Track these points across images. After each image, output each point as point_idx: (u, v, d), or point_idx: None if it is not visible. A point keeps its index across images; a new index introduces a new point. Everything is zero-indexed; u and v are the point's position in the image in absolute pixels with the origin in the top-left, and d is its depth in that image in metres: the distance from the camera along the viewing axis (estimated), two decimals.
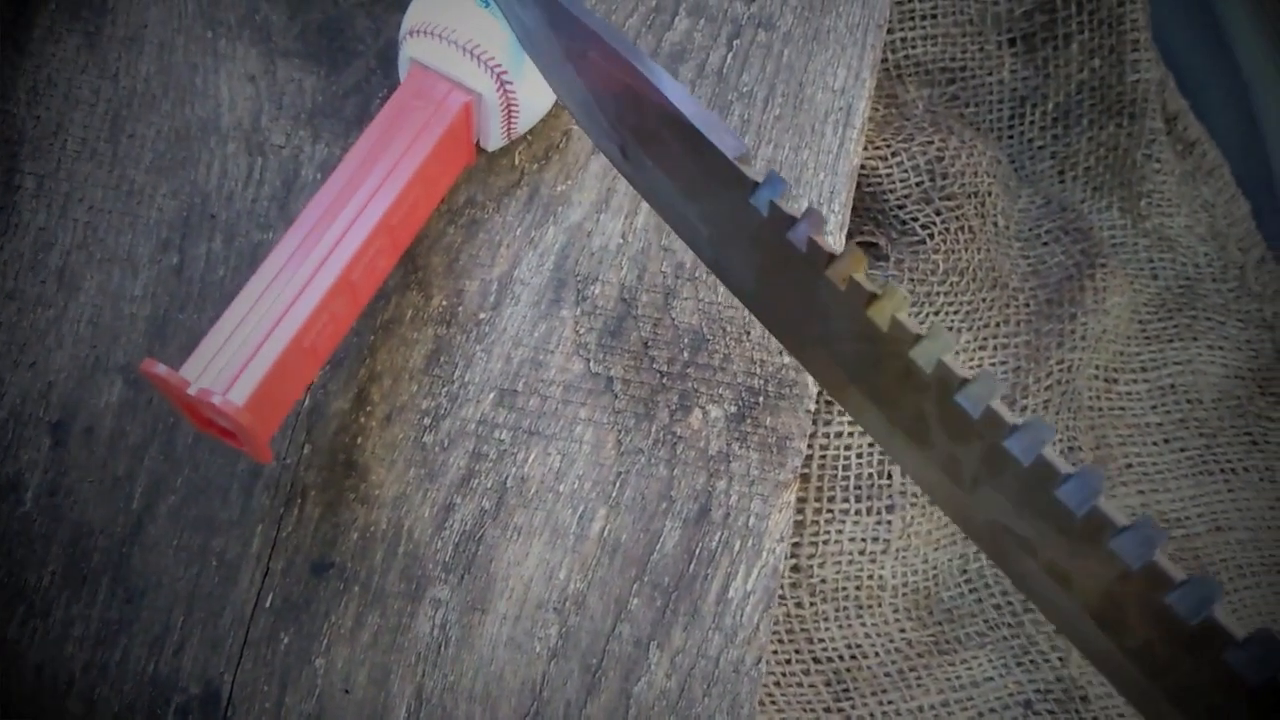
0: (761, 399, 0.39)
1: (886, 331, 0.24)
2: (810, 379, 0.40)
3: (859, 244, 0.46)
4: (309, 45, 0.41)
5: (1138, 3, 0.49)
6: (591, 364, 0.39)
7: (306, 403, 0.39)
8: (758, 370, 0.39)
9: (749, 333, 0.40)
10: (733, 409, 0.39)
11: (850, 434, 0.45)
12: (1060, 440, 0.47)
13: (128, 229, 0.40)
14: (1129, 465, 0.49)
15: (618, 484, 0.39)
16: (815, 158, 0.41)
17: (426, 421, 0.39)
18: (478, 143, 0.39)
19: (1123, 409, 0.51)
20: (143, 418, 0.38)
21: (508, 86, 0.37)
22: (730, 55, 0.42)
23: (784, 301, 0.29)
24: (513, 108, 0.37)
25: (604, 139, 0.35)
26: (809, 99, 0.41)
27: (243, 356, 0.32)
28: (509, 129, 0.38)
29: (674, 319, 0.40)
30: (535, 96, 0.38)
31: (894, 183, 0.47)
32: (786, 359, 0.40)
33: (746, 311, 0.40)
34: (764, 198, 0.26)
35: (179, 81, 0.41)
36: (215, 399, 0.31)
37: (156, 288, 0.39)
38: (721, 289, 0.40)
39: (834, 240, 0.41)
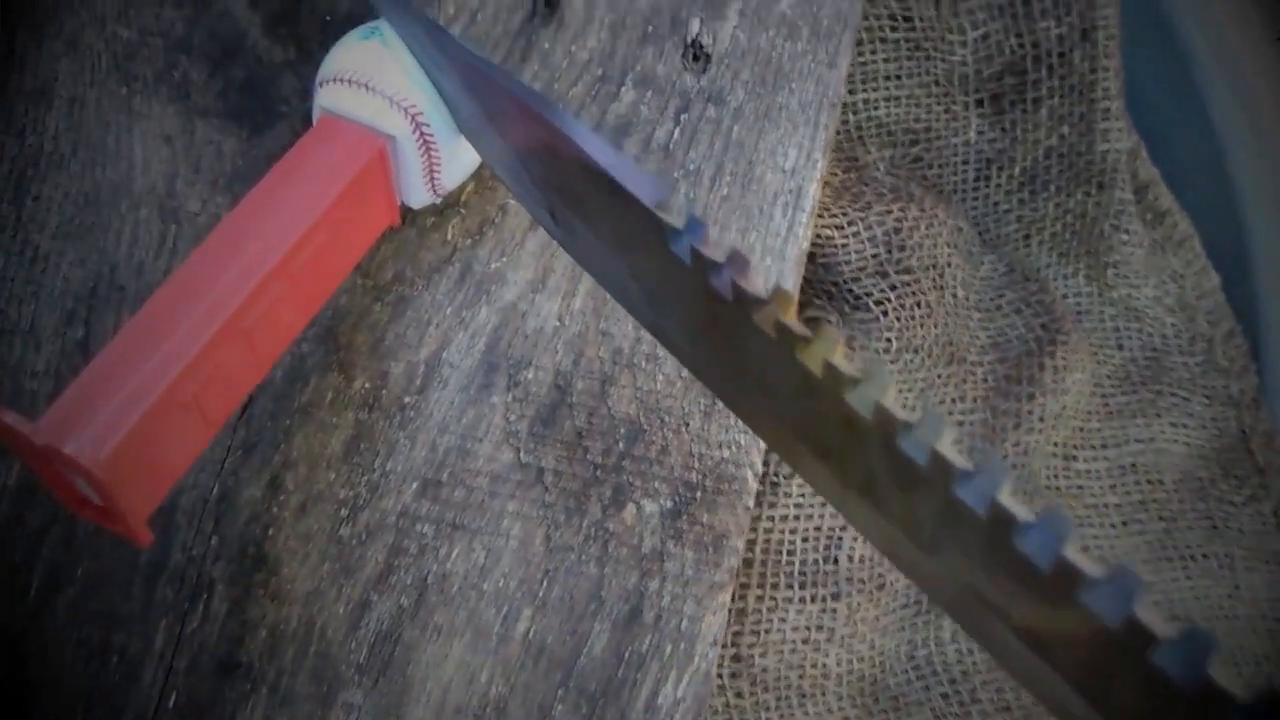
0: (699, 494, 0.37)
1: (821, 377, 0.22)
2: (749, 473, 0.38)
3: (807, 319, 0.45)
4: (230, 105, 0.39)
5: (1110, 70, 0.47)
6: (522, 454, 0.37)
7: (215, 490, 0.36)
8: (696, 464, 0.38)
9: (688, 424, 0.38)
10: (669, 504, 0.37)
11: (795, 518, 0.44)
12: None
13: (30, 299, 0.37)
14: (1085, 547, 0.48)
15: (545, 582, 0.37)
16: (763, 241, 0.39)
17: (344, 513, 0.36)
18: (403, 204, 0.37)
19: (1080, 488, 0.49)
20: (42, 503, 0.36)
21: (424, 129, 0.35)
22: (678, 130, 0.40)
23: (720, 357, 0.27)
24: (433, 154, 0.35)
25: (533, 203, 0.33)
26: (758, 179, 0.39)
27: (108, 407, 0.28)
28: (433, 182, 0.36)
29: (610, 408, 0.38)
30: (458, 145, 0.36)
31: (849, 254, 0.45)
32: (725, 453, 0.38)
33: (686, 401, 0.38)
34: (684, 244, 0.25)
35: (90, 140, 0.38)
36: (68, 448, 0.27)
37: (60, 363, 0.37)
38: (660, 377, 0.38)
39: None
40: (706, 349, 0.28)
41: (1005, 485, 0.20)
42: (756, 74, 0.40)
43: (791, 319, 0.23)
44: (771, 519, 0.43)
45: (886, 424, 0.21)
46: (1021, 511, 0.19)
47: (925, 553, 0.23)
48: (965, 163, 0.52)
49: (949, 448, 0.20)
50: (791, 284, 0.39)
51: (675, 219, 0.25)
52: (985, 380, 0.47)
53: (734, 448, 0.38)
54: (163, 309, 0.31)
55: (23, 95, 0.39)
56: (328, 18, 0.39)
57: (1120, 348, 0.52)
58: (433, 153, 0.35)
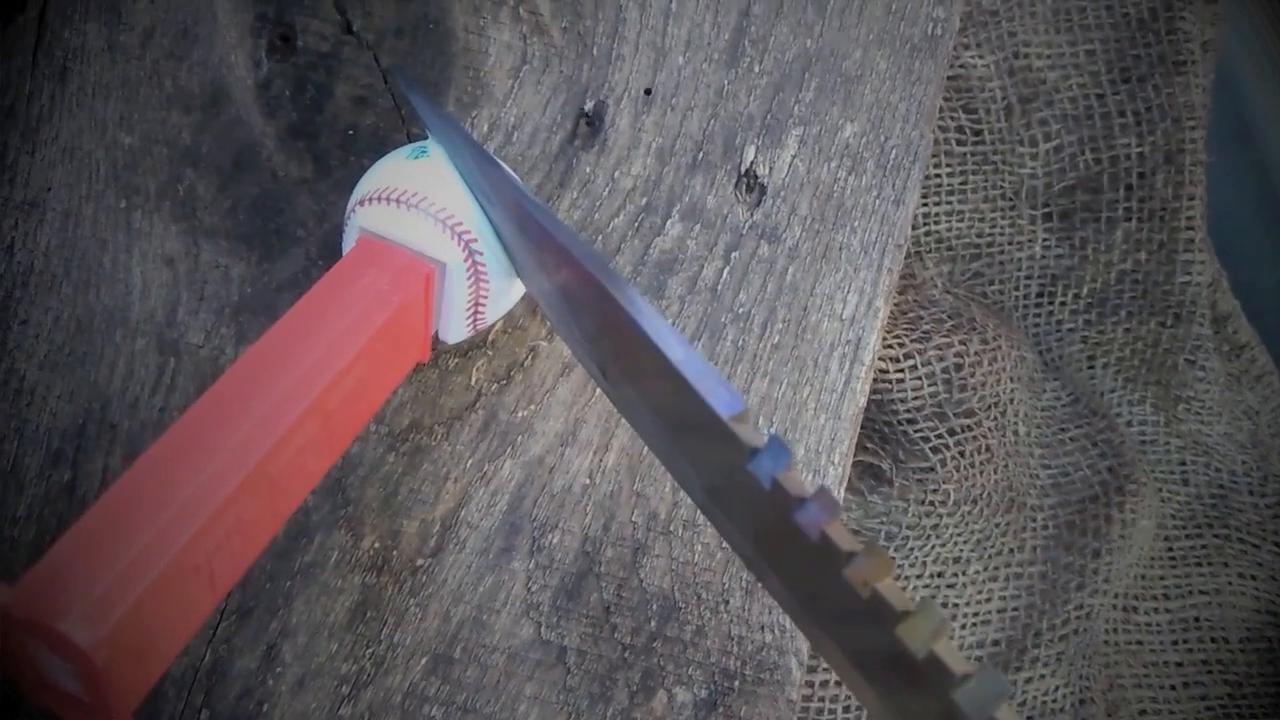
0: (737, 683, 0.34)
1: (921, 662, 0.20)
2: (794, 662, 0.34)
3: (858, 462, 0.41)
4: (240, 225, 0.35)
5: (1195, 198, 0.44)
6: (543, 629, 0.34)
7: (207, 659, 0.33)
8: (735, 648, 0.34)
9: (727, 602, 0.34)
10: (703, 693, 0.34)
11: (838, 683, 0.40)
12: (1071, 691, 0.42)
13: (13, 436, 0.34)
14: (1143, 711, 0.44)
15: None
16: (817, 397, 0.35)
17: (345, 690, 0.33)
18: (435, 334, 0.34)
19: (1140, 643, 0.46)
20: None
21: (477, 258, 0.31)
22: (727, 269, 0.36)
23: (789, 579, 0.24)
24: (482, 286, 0.32)
25: (582, 353, 0.30)
26: (813, 327, 0.36)
27: (109, 572, 0.23)
28: (475, 316, 0.33)
29: (642, 580, 0.34)
30: (508, 277, 0.33)
31: (905, 391, 0.42)
32: (768, 636, 0.34)
33: (726, 576, 0.35)
34: (765, 469, 0.22)
35: (84, 259, 0.35)
36: (62, 625, 0.22)
37: (44, 509, 0.34)
38: (699, 547, 0.35)
39: (836, 491, 0.35)
40: (771, 564, 0.25)
41: None
42: (815, 209, 0.37)
43: (889, 585, 0.21)
44: (810, 685, 0.40)
45: None
46: None
47: None
48: (1029, 278, 0.48)
49: None
50: (845, 447, 0.35)
51: (754, 437, 0.22)
52: (1045, 527, 0.44)
53: (778, 631, 0.34)
54: (177, 449, 0.26)
55: (12, 206, 0.35)
56: (350, 131, 0.36)
57: (1186, 483, 0.49)
58: (482, 284, 0.32)
